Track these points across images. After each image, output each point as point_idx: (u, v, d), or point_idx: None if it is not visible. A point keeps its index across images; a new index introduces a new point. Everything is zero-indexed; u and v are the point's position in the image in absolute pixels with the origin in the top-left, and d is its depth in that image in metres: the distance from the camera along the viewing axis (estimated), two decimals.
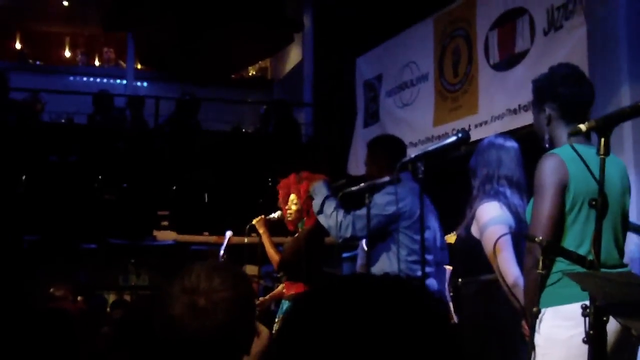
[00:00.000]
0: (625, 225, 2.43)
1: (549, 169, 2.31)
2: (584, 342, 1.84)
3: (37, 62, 12.59)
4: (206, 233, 7.30)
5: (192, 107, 8.50)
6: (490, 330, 2.94)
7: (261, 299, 4.54)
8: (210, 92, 10.03)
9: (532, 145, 2.70)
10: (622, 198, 2.40)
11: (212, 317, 1.46)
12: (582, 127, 1.94)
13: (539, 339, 2.21)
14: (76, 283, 6.73)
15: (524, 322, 2.45)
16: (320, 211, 3.61)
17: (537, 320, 2.17)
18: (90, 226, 7.36)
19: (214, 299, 1.46)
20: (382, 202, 3.46)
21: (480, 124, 5.62)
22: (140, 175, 7.80)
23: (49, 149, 7.87)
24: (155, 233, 7.27)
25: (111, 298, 8.35)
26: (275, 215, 4.37)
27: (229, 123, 9.41)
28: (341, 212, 3.52)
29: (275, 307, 4.87)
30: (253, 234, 4.41)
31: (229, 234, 4.77)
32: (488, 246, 2.87)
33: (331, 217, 3.53)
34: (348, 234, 3.48)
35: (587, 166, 2.00)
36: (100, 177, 7.65)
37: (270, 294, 4.77)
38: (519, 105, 5.21)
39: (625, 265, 2.38)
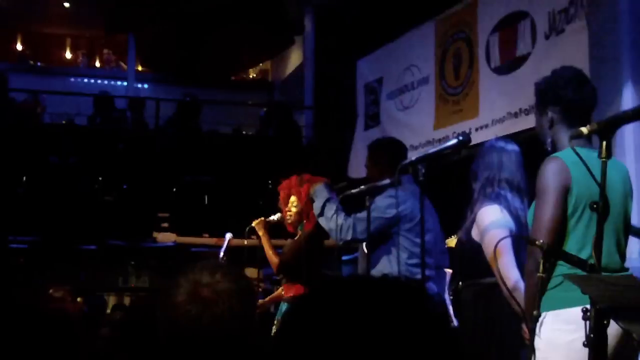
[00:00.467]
0: (627, 229, 2.42)
1: (551, 173, 2.30)
2: (585, 346, 1.83)
3: (38, 63, 12.61)
4: (206, 235, 7.30)
5: (193, 109, 8.50)
6: (491, 334, 2.93)
7: (260, 301, 4.53)
8: (210, 94, 10.04)
9: (532, 148, 2.70)
10: (624, 201, 2.39)
11: (214, 306, 1.52)
12: (584, 130, 1.94)
13: (539, 343, 2.20)
14: (76, 284, 6.72)
15: (524, 326, 2.44)
16: (321, 214, 3.60)
17: (538, 324, 2.17)
18: (90, 227, 7.36)
19: (217, 289, 1.53)
20: (383, 205, 3.45)
21: (481, 127, 5.62)
22: (140, 176, 7.80)
23: (50, 150, 7.88)
24: (155, 235, 7.27)
25: (111, 299, 8.34)
26: (275, 217, 4.36)
27: (230, 125, 9.42)
28: (342, 215, 3.51)
29: (274, 309, 4.86)
30: (253, 236, 4.40)
31: (228, 236, 4.77)
32: (488, 250, 2.87)
33: (332, 219, 3.53)
34: (349, 237, 3.48)
35: (589, 169, 1.99)
36: (100, 178, 7.65)
37: (270, 296, 4.77)
38: (520, 109, 5.21)
39: (627, 269, 2.37)
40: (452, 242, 3.69)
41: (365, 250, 3.56)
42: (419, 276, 3.17)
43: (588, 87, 2.47)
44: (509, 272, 2.75)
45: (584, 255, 2.19)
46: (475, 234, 3.00)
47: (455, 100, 6.04)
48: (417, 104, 6.57)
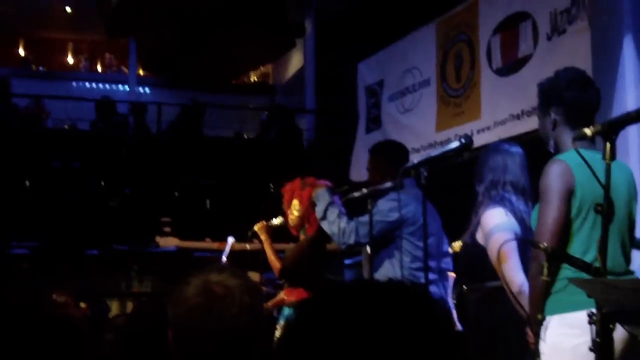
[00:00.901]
0: (632, 232, 2.40)
1: (555, 175, 2.29)
2: (591, 350, 1.82)
3: (40, 68, 12.64)
4: (208, 239, 7.29)
5: (196, 113, 8.50)
6: (495, 338, 2.92)
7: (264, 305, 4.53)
8: (211, 97, 10.04)
9: (535, 151, 2.69)
10: (629, 204, 2.38)
11: (224, 299, 1.57)
12: (587, 131, 1.93)
13: (544, 347, 2.19)
14: (79, 289, 6.71)
15: (529, 330, 2.43)
16: (323, 217, 3.59)
17: (543, 328, 2.15)
18: (92, 232, 7.36)
19: (227, 284, 1.59)
20: (385, 209, 3.44)
21: (483, 130, 5.60)
22: (142, 181, 7.80)
23: (52, 155, 7.89)
24: (157, 239, 7.26)
25: (114, 304, 8.33)
26: (277, 221, 4.35)
27: (231, 129, 9.42)
28: (344, 219, 3.50)
29: (277, 313, 4.85)
30: (255, 240, 4.40)
31: (231, 240, 4.76)
32: (493, 253, 2.85)
33: (334, 223, 3.52)
34: (351, 241, 3.47)
35: (593, 172, 1.98)
36: (102, 183, 7.65)
37: (272, 300, 4.75)
38: (522, 111, 5.19)
39: (632, 272, 2.35)
40: (456, 246, 3.67)
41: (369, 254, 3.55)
42: (422, 280, 3.16)
43: (591, 88, 2.46)
44: (514, 275, 2.73)
45: (588, 258, 2.18)
46: (479, 237, 2.99)
47: (456, 102, 6.03)
48: (418, 107, 6.56)
